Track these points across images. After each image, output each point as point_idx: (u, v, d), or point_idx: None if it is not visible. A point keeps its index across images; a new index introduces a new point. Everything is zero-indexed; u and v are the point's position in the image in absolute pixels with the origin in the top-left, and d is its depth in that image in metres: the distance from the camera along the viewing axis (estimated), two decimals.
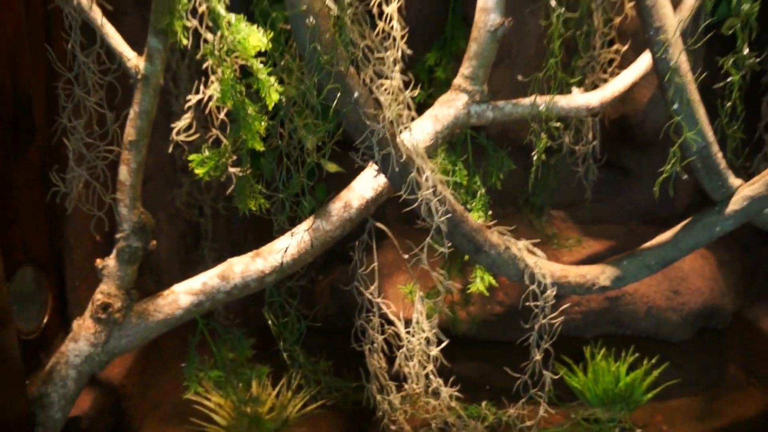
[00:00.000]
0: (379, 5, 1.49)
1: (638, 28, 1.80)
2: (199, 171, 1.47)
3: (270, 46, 1.40)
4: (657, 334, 2.03)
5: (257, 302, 1.91)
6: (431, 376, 1.62)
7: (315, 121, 1.40)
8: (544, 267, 1.50)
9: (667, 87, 1.45)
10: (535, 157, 1.57)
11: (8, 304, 1.36)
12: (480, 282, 1.73)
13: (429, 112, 1.61)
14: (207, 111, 1.51)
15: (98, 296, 1.50)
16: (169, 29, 1.42)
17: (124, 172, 1.49)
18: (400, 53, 1.49)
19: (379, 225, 1.58)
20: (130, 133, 1.47)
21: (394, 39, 1.48)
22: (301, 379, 1.75)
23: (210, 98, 1.48)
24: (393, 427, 1.64)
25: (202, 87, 1.49)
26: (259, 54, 1.40)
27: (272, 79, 1.41)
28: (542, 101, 1.61)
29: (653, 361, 1.88)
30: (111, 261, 1.51)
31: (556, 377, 1.55)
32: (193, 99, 1.51)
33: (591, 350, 1.91)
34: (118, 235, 1.50)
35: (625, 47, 1.85)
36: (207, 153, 1.48)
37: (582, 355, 1.93)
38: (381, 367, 1.63)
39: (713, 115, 1.78)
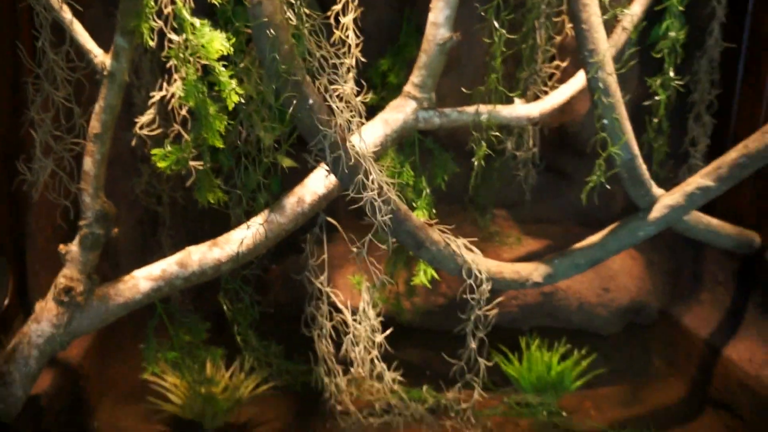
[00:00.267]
0: (337, 15, 1.63)
1: None
2: (162, 164, 1.59)
3: (231, 50, 1.52)
4: (588, 327, 2.23)
5: (213, 288, 2.04)
6: (375, 361, 1.78)
7: (272, 125, 1.53)
8: (480, 263, 1.67)
9: (597, 104, 1.63)
10: (475, 162, 1.72)
11: None
12: (423, 275, 1.89)
13: (380, 116, 1.76)
14: (170, 107, 1.63)
15: (61, 280, 1.60)
16: (136, 30, 1.53)
17: (88, 163, 1.59)
18: (354, 60, 1.63)
19: (330, 219, 1.72)
20: (95, 126, 1.57)
21: (349, 47, 1.63)
22: (253, 361, 1.89)
23: (173, 95, 1.60)
24: (339, 408, 1.79)
25: (165, 84, 1.61)
26: (221, 57, 1.53)
27: (233, 81, 1.53)
28: (485, 110, 1.78)
29: (583, 351, 2.08)
30: (74, 247, 1.62)
31: (491, 364, 1.72)
32: (156, 96, 1.62)
33: (527, 341, 2.10)
34: (81, 223, 1.61)
35: (565, 63, 2.03)
36: (169, 148, 1.60)
37: (518, 346, 2.11)
38: (329, 351, 1.78)
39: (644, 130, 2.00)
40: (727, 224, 1.98)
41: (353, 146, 1.45)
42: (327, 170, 1.51)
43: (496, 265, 1.73)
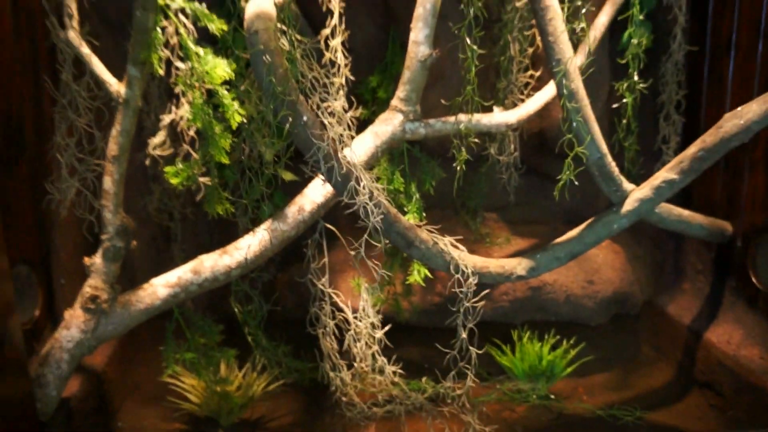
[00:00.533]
0: (326, 39, 1.84)
1: None
2: (174, 180, 1.79)
3: (233, 75, 1.73)
4: (576, 318, 2.41)
5: (224, 297, 2.24)
6: (376, 356, 1.96)
7: (272, 140, 1.73)
8: (466, 259, 1.85)
9: (563, 108, 1.82)
10: (458, 168, 1.91)
11: (13, 297, 1.66)
12: (417, 274, 2.08)
13: (370, 129, 1.95)
14: (179, 129, 1.83)
15: (87, 289, 1.80)
16: (146, 60, 1.74)
17: (108, 183, 1.80)
18: (344, 79, 1.84)
19: (329, 226, 1.91)
20: (113, 149, 1.78)
21: (339, 67, 1.83)
22: (264, 361, 2.07)
23: (181, 118, 1.81)
24: (345, 399, 1.96)
25: (174, 108, 1.81)
26: (224, 82, 1.73)
27: (236, 103, 1.74)
28: (467, 119, 1.97)
29: (572, 341, 2.26)
30: (97, 259, 1.82)
31: (481, 352, 1.88)
32: (166, 119, 1.83)
33: (518, 334, 2.28)
34: (103, 237, 1.81)
35: (539, 72, 2.23)
36: (180, 165, 1.80)
37: (511, 338, 2.29)
38: (333, 348, 1.96)
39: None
40: (698, 215, 2.17)
41: (345, 156, 1.65)
42: (323, 179, 1.71)
43: (482, 261, 1.92)
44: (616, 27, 2.24)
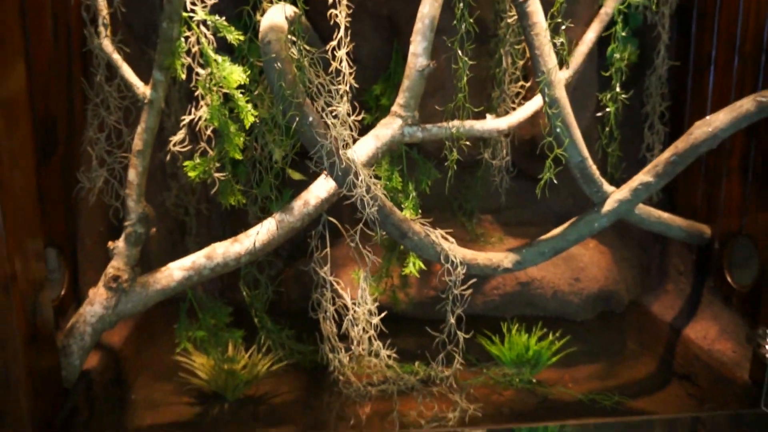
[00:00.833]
0: (333, 50, 2.07)
1: None
2: (192, 174, 2.03)
3: (247, 80, 1.97)
4: (564, 314, 2.61)
5: (234, 286, 2.47)
6: (372, 340, 2.17)
7: (281, 138, 1.97)
8: (456, 250, 2.07)
9: (546, 114, 2.04)
10: (450, 168, 2.14)
11: (45, 275, 1.90)
12: (412, 266, 2.30)
13: (372, 132, 2.18)
14: (197, 128, 2.07)
15: (110, 270, 2.03)
16: (171, 66, 1.98)
17: (132, 174, 2.04)
18: (348, 86, 2.07)
19: (331, 219, 2.13)
20: (137, 144, 2.02)
21: (344, 75, 2.06)
22: (269, 343, 2.29)
23: (199, 118, 2.04)
24: (342, 378, 2.18)
25: (193, 110, 2.05)
26: (240, 86, 1.97)
27: (249, 105, 1.98)
28: (461, 125, 2.20)
29: (557, 334, 2.45)
30: (120, 243, 2.05)
31: (468, 336, 2.09)
32: (186, 119, 2.07)
33: (508, 326, 2.48)
34: (126, 223, 2.04)
35: (529, 83, 2.45)
36: (198, 160, 2.04)
37: (501, 331, 2.50)
38: (332, 332, 2.17)
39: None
40: (677, 218, 2.37)
41: (345, 153, 1.88)
42: (325, 175, 1.94)
43: (471, 253, 2.14)
44: (607, 42, 2.46)
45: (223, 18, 1.97)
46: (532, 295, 2.57)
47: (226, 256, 2.07)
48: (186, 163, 2.05)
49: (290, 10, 1.96)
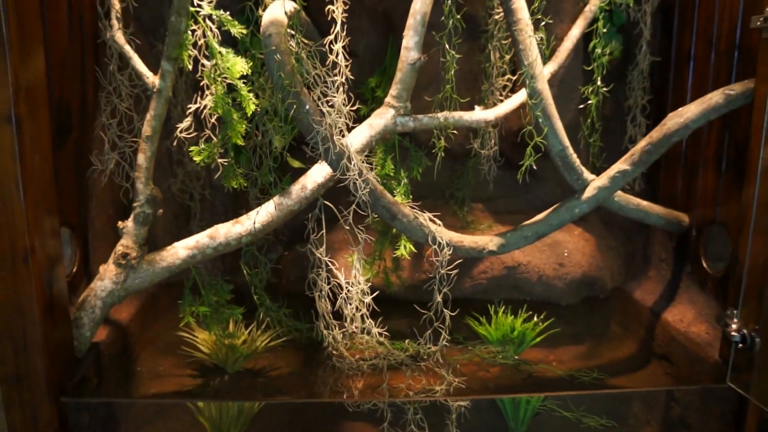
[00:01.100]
0: (330, 43, 2.25)
1: None
2: (197, 158, 2.21)
3: (249, 71, 2.15)
4: (549, 298, 2.78)
5: (235, 267, 2.64)
6: (365, 318, 2.35)
7: (280, 125, 2.15)
8: (443, 233, 2.25)
9: (529, 105, 2.21)
10: (439, 155, 2.31)
11: (60, 251, 2.09)
12: (403, 249, 2.47)
13: (366, 122, 2.35)
14: (203, 116, 2.25)
15: (119, 248, 2.22)
16: (178, 57, 2.16)
17: (141, 158, 2.22)
18: (344, 78, 2.24)
19: (327, 202, 2.30)
20: (146, 130, 2.20)
21: (340, 68, 2.24)
22: (267, 320, 2.47)
23: (205, 107, 2.22)
24: (335, 353, 2.35)
25: (199, 99, 2.23)
26: (242, 76, 2.15)
27: (251, 94, 2.16)
28: (451, 115, 2.37)
29: (542, 316, 2.62)
30: (129, 223, 2.23)
31: (454, 314, 2.25)
32: (192, 107, 2.25)
33: (495, 308, 2.65)
34: (135, 204, 2.23)
35: (516, 77, 2.63)
36: (202, 146, 2.22)
37: (488, 312, 2.67)
38: (327, 309, 2.34)
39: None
40: (656, 206, 2.54)
41: (339, 139, 2.06)
42: (320, 159, 2.12)
43: (458, 236, 2.31)
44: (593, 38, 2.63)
45: (228, 13, 2.15)
46: (518, 279, 2.74)
47: (228, 236, 2.25)
48: (191, 148, 2.23)
49: (290, 5, 2.15)
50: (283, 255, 2.95)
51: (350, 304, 2.33)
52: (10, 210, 1.86)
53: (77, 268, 2.34)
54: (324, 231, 2.29)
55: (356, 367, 2.34)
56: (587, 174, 2.35)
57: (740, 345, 2.09)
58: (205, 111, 2.20)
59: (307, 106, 2.05)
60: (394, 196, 2.40)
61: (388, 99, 2.36)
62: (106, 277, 2.21)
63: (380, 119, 2.34)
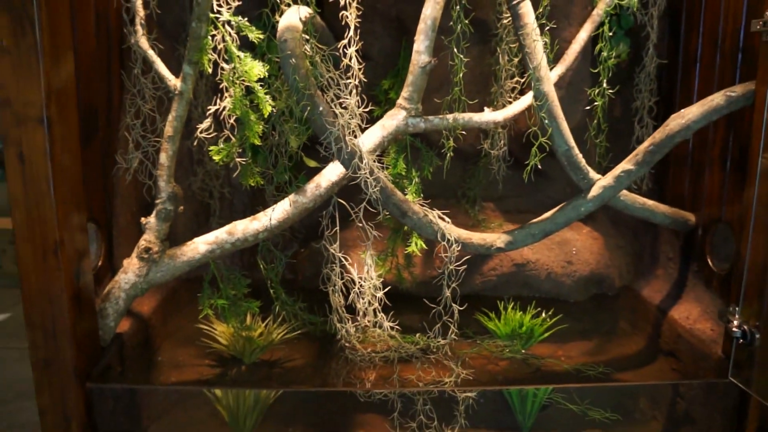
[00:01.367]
0: (344, 47, 2.37)
1: None
2: (216, 157, 2.34)
3: (266, 74, 2.28)
4: (557, 295, 2.87)
5: (252, 264, 2.77)
6: (377, 313, 2.46)
7: (295, 125, 2.27)
8: (452, 230, 2.35)
9: (535, 106, 2.31)
10: (447, 155, 2.42)
11: (87, 245, 2.22)
12: (414, 245, 2.58)
13: (379, 123, 2.46)
14: (222, 117, 2.38)
15: (142, 242, 2.35)
16: (199, 61, 2.29)
17: (163, 157, 2.35)
18: (357, 81, 2.36)
19: (340, 200, 2.42)
20: (168, 130, 2.34)
21: (353, 71, 2.36)
22: (283, 314, 2.59)
23: (224, 108, 2.35)
24: (348, 345, 2.47)
25: (218, 100, 2.36)
26: (259, 79, 2.28)
27: (268, 97, 2.28)
28: (461, 117, 2.48)
29: (550, 312, 2.71)
30: (152, 219, 2.37)
31: (462, 308, 2.36)
32: (212, 108, 2.38)
33: (504, 304, 2.75)
34: (157, 201, 2.36)
35: (524, 79, 2.73)
36: (222, 145, 2.35)
37: (498, 309, 2.77)
38: (340, 303, 2.46)
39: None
40: (662, 205, 2.62)
41: (351, 139, 2.18)
42: (333, 157, 2.23)
43: (466, 233, 2.41)
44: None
45: (246, 18, 2.28)
46: (527, 276, 2.84)
47: (246, 232, 2.37)
48: (211, 147, 2.36)
49: (305, 11, 2.27)
50: (299, 252, 3.07)
51: (363, 299, 2.44)
52: (42, 205, 2.01)
53: (102, 262, 2.48)
54: (338, 228, 2.41)
55: (368, 359, 2.46)
56: (593, 173, 2.44)
57: (741, 341, 2.18)
58: (224, 112, 2.33)
59: (321, 108, 2.17)
60: (405, 194, 2.51)
61: (399, 101, 2.46)
62: (130, 270, 2.34)
63: (392, 120, 2.45)
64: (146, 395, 2.34)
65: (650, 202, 2.58)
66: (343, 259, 2.45)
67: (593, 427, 2.49)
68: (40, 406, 2.10)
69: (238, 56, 2.27)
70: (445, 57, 2.41)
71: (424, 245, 2.60)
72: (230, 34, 2.27)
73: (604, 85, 2.51)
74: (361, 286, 2.43)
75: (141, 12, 2.38)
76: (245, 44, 2.33)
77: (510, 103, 2.66)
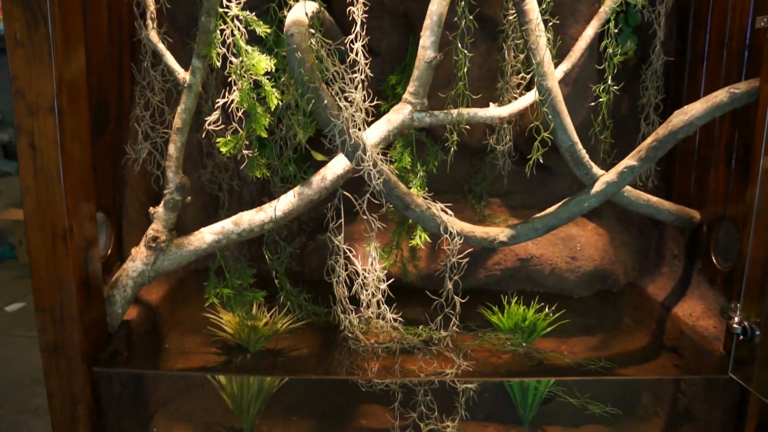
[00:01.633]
0: (351, 42, 2.41)
1: None
2: (224, 149, 2.39)
3: (273, 68, 2.33)
4: (561, 290, 2.90)
5: (258, 256, 2.83)
6: (380, 304, 2.50)
7: (300, 118, 2.32)
8: (455, 223, 2.39)
9: (541, 103, 2.35)
10: (452, 148, 2.46)
11: (96, 234, 2.29)
12: (418, 238, 2.62)
13: (384, 117, 2.50)
14: (230, 110, 2.43)
15: (150, 231, 2.41)
16: (208, 54, 2.35)
17: (172, 149, 2.41)
18: (364, 75, 2.40)
19: (345, 193, 2.47)
20: (177, 122, 2.40)
21: (360, 66, 2.40)
22: (288, 304, 2.65)
23: (232, 101, 2.41)
24: (351, 336, 2.51)
25: (227, 94, 2.42)
26: (266, 73, 2.33)
27: (274, 90, 2.33)
28: (466, 112, 2.51)
29: (554, 307, 2.74)
30: (160, 209, 2.43)
31: (464, 301, 2.40)
32: (220, 101, 2.43)
33: (507, 299, 2.78)
34: (165, 191, 2.42)
35: (529, 75, 2.75)
36: (229, 137, 2.41)
37: (501, 303, 2.80)
38: (344, 294, 2.51)
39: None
40: (666, 201, 2.64)
41: (355, 131, 2.22)
42: (337, 150, 2.28)
43: (470, 226, 2.45)
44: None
45: (254, 13, 2.33)
46: (531, 271, 2.87)
47: (252, 223, 2.43)
48: (219, 139, 2.42)
49: (311, 6, 2.31)
50: (307, 244, 3.12)
51: (366, 290, 2.49)
52: (52, 194, 2.07)
53: (111, 251, 2.54)
54: (342, 220, 2.46)
55: (371, 350, 2.50)
56: (596, 169, 2.47)
57: (741, 337, 2.20)
58: (232, 105, 2.38)
59: (326, 101, 2.22)
60: (410, 188, 2.55)
61: (405, 95, 2.51)
62: (138, 258, 2.41)
63: (398, 115, 2.50)
64: (152, 381, 2.41)
65: (655, 199, 2.61)
66: (347, 251, 2.50)
67: (595, 422, 2.52)
68: (48, 389, 2.17)
69: (246, 50, 2.32)
70: (452, 52, 2.45)
71: (428, 238, 2.64)
72: (239, 29, 2.32)
73: (609, 81, 2.53)
74: (365, 277, 2.48)
75: (151, 6, 2.44)
76: (253, 39, 2.38)
77: (515, 98, 2.69)
